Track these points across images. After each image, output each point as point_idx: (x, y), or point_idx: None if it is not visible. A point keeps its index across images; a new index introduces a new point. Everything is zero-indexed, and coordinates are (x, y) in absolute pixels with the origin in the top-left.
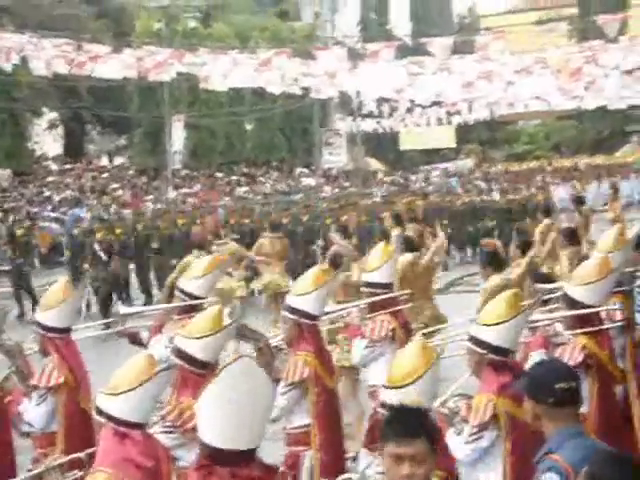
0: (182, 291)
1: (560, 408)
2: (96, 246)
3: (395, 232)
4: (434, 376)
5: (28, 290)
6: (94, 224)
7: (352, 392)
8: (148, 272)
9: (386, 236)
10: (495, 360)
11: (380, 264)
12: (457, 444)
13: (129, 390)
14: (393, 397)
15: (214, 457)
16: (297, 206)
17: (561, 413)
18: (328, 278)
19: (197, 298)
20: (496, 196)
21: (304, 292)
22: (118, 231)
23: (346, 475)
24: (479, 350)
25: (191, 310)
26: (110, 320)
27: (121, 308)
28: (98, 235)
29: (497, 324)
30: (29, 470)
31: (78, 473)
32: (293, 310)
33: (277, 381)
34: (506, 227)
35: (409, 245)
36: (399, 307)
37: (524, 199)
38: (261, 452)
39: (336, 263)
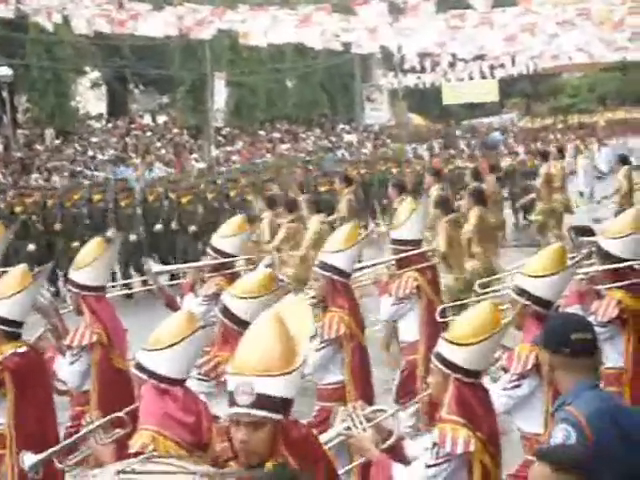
0: (214, 249)
1: (576, 359)
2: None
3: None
4: (497, 340)
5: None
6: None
7: None
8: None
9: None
10: (537, 311)
11: (406, 220)
12: (493, 392)
13: (169, 346)
14: (453, 354)
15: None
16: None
17: (577, 364)
18: (360, 236)
19: (229, 256)
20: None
21: (337, 249)
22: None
23: (379, 406)
24: (522, 300)
25: (223, 268)
26: (142, 278)
27: (153, 266)
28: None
29: (542, 276)
30: (68, 427)
31: (121, 431)
32: (326, 267)
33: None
34: None
35: (445, 205)
36: (426, 263)
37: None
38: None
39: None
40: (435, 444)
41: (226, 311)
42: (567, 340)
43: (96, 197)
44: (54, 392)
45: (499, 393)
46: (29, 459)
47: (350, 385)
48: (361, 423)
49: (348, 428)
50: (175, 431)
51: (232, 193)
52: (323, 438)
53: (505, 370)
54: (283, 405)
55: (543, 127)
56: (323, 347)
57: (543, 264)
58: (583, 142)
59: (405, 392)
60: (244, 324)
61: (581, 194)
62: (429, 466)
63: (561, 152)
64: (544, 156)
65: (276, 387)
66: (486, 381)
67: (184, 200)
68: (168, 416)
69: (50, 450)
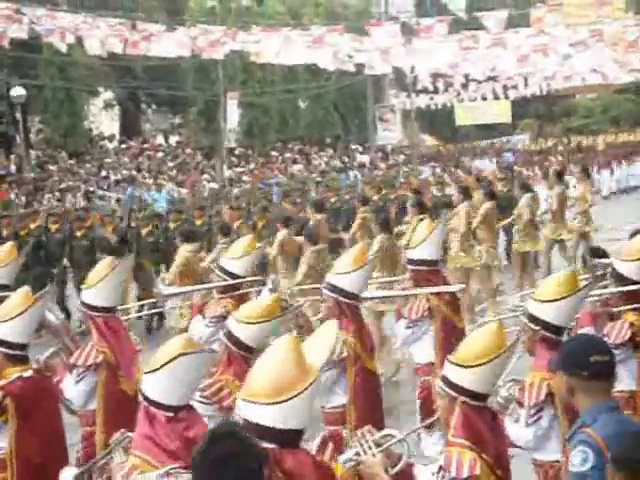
0: (223, 270)
1: (595, 381)
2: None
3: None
4: (504, 361)
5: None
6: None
7: None
8: None
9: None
10: (548, 337)
11: (424, 240)
12: (517, 432)
13: (155, 370)
14: (459, 376)
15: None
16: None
17: (595, 386)
18: (370, 258)
19: (238, 277)
20: None
21: (345, 271)
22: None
23: (389, 431)
24: (533, 326)
25: (231, 289)
26: (152, 300)
27: (163, 288)
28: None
29: (553, 301)
30: (79, 450)
31: None
32: (333, 288)
33: None
34: None
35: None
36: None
37: None
38: None
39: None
40: (441, 468)
41: (230, 336)
42: (586, 362)
43: (53, 227)
44: (66, 411)
45: (524, 430)
46: (70, 473)
47: (351, 408)
48: (370, 448)
49: (357, 454)
50: (158, 457)
51: (199, 222)
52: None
53: (520, 403)
54: (275, 435)
55: (546, 149)
56: (327, 370)
57: (554, 289)
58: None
59: (427, 414)
60: (248, 349)
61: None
62: None
63: (560, 176)
64: (525, 187)
65: (262, 415)
66: (507, 422)
67: (144, 231)
68: (152, 441)
69: (90, 462)
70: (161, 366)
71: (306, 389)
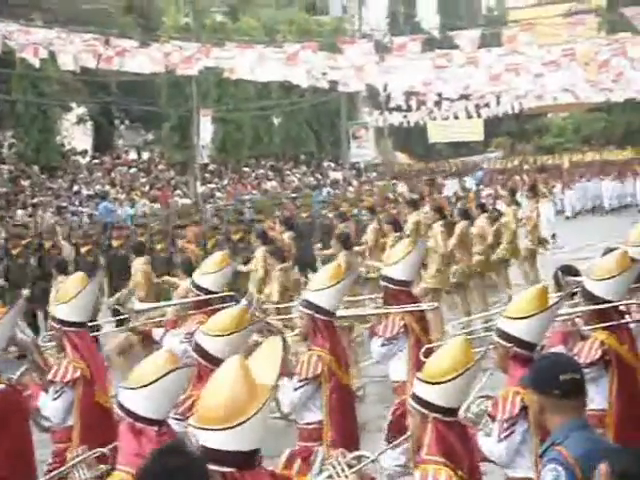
0: (197, 286)
1: (565, 400)
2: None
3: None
4: (472, 375)
5: None
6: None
7: None
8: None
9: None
10: (520, 354)
11: (400, 260)
12: (489, 446)
13: (144, 386)
14: (428, 393)
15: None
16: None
17: (566, 405)
18: (345, 274)
19: (211, 293)
20: None
21: (320, 287)
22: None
23: (361, 452)
24: (505, 343)
25: (205, 305)
26: (124, 317)
27: (136, 304)
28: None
29: (524, 318)
30: (49, 464)
31: (104, 467)
32: (309, 305)
33: (291, 375)
34: None
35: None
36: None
37: None
38: (270, 446)
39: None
40: None
41: (199, 349)
42: (556, 381)
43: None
44: (37, 429)
45: (496, 445)
46: None
47: (327, 425)
48: (343, 470)
49: (330, 476)
50: None
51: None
52: None
53: (492, 417)
54: (232, 458)
55: (511, 169)
56: (301, 386)
57: (524, 305)
58: (546, 185)
59: (398, 431)
60: (218, 362)
61: (546, 240)
62: None
63: (483, 207)
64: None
65: (217, 440)
66: (480, 436)
67: (83, 250)
68: (138, 455)
69: None
70: (152, 382)
71: (259, 411)
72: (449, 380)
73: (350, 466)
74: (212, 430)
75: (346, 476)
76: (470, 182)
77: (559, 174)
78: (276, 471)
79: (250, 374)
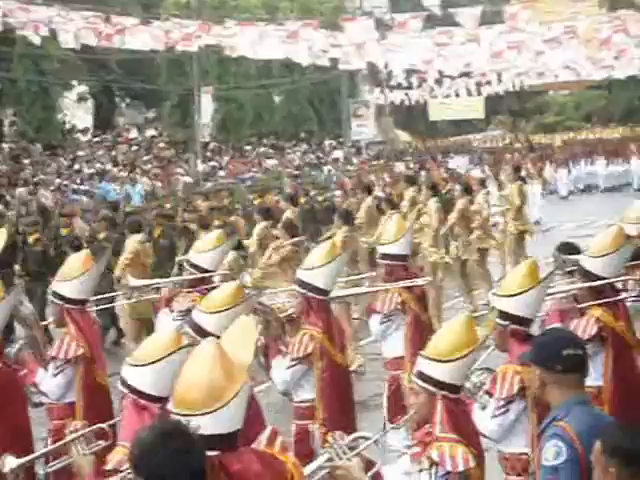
0: (192, 264)
1: (567, 375)
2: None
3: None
4: (478, 353)
5: None
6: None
7: None
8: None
9: None
10: (518, 330)
11: (397, 236)
12: (482, 419)
13: (151, 363)
14: (438, 371)
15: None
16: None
17: (568, 380)
18: (339, 253)
19: (206, 271)
20: None
21: (314, 266)
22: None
23: (360, 433)
24: (502, 321)
25: (200, 283)
26: (119, 293)
27: (131, 280)
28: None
29: (518, 294)
30: (51, 439)
31: (102, 443)
32: (302, 284)
33: (285, 355)
34: None
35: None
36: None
37: None
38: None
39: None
40: (433, 464)
41: (196, 327)
42: (558, 356)
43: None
44: (30, 405)
45: (489, 421)
46: (10, 462)
47: (319, 404)
48: (345, 453)
49: (331, 459)
50: None
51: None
52: (304, 472)
53: (489, 394)
54: (215, 441)
55: (503, 147)
56: (292, 365)
57: (517, 282)
58: (535, 166)
59: (396, 408)
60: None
61: (537, 222)
62: None
63: (483, 183)
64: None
65: (203, 424)
66: (475, 408)
67: (31, 239)
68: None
69: (32, 455)
70: (158, 359)
71: (237, 393)
72: (459, 358)
73: (351, 449)
74: (192, 415)
75: (348, 459)
76: (463, 162)
77: (551, 153)
78: (259, 449)
79: (226, 356)
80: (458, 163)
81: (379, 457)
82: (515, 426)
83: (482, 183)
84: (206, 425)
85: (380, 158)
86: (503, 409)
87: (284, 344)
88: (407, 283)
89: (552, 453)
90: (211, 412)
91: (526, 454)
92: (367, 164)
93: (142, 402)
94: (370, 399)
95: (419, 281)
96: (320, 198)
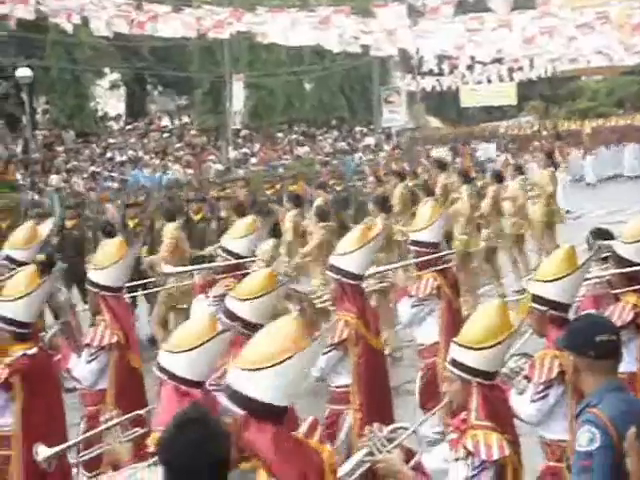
0: (225, 250)
1: (601, 361)
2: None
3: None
4: (512, 340)
5: None
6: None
7: None
8: None
9: None
10: (556, 316)
11: (428, 223)
12: (521, 405)
13: (191, 349)
14: (472, 358)
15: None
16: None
17: (602, 366)
18: (372, 237)
19: (240, 257)
20: None
21: (347, 251)
22: None
23: (398, 424)
24: (540, 307)
25: (234, 269)
26: (153, 279)
27: (164, 267)
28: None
29: (556, 280)
30: (86, 426)
31: (139, 430)
32: (336, 270)
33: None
34: None
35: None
36: (446, 265)
37: None
38: (302, 408)
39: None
40: (469, 454)
41: (230, 314)
42: (592, 342)
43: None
44: (63, 390)
45: (527, 405)
46: (43, 452)
47: (354, 389)
48: (384, 445)
49: (371, 453)
50: None
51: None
52: (343, 469)
53: (528, 379)
54: (251, 405)
55: (531, 134)
56: (328, 351)
57: (555, 267)
58: (562, 153)
59: (429, 396)
60: (249, 326)
61: (568, 211)
62: (471, 477)
63: (520, 169)
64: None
65: (240, 383)
66: (512, 393)
67: (69, 224)
68: None
69: (65, 444)
70: (197, 346)
71: (281, 362)
72: (493, 345)
73: (390, 440)
74: (236, 370)
75: (388, 451)
76: (492, 148)
77: (580, 141)
78: (297, 436)
79: (296, 330)
80: (485, 150)
81: (418, 446)
82: (554, 411)
83: (519, 169)
84: (249, 385)
85: (414, 145)
86: (542, 393)
87: (318, 330)
88: (431, 257)
89: (586, 439)
90: (253, 370)
91: (566, 441)
92: (397, 150)
93: (183, 388)
94: (403, 385)
95: (443, 252)
96: (339, 188)
